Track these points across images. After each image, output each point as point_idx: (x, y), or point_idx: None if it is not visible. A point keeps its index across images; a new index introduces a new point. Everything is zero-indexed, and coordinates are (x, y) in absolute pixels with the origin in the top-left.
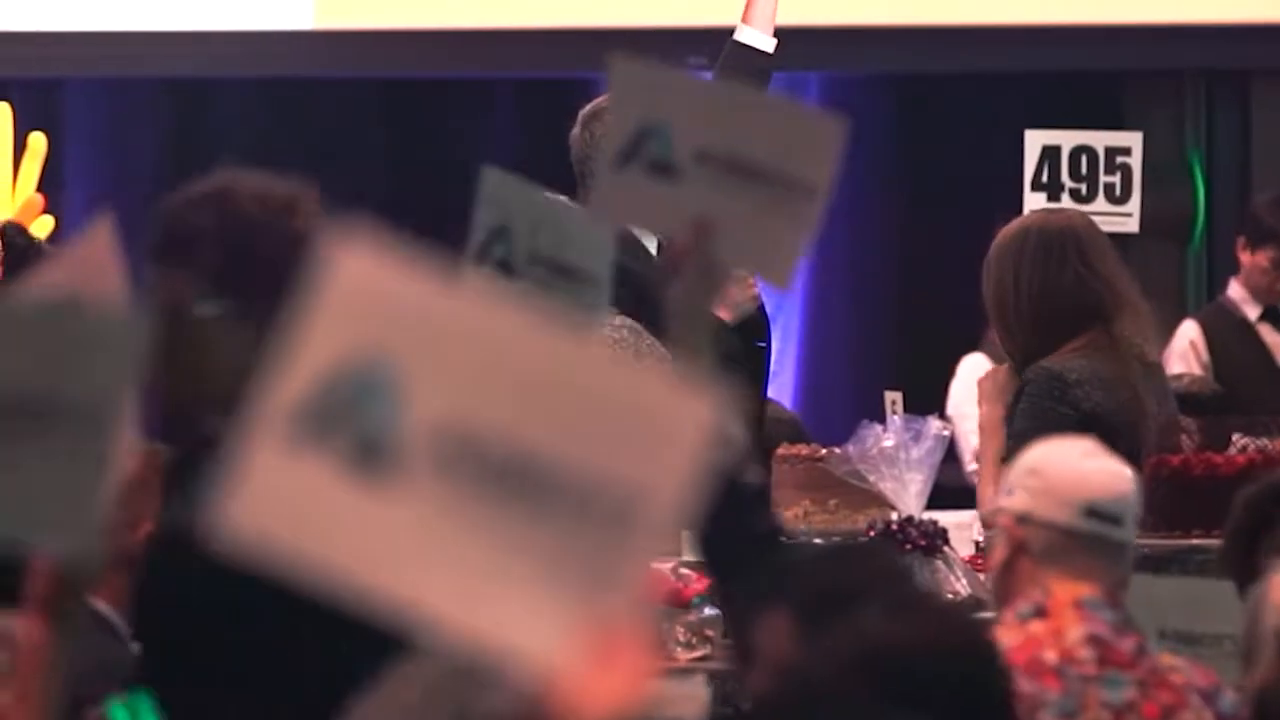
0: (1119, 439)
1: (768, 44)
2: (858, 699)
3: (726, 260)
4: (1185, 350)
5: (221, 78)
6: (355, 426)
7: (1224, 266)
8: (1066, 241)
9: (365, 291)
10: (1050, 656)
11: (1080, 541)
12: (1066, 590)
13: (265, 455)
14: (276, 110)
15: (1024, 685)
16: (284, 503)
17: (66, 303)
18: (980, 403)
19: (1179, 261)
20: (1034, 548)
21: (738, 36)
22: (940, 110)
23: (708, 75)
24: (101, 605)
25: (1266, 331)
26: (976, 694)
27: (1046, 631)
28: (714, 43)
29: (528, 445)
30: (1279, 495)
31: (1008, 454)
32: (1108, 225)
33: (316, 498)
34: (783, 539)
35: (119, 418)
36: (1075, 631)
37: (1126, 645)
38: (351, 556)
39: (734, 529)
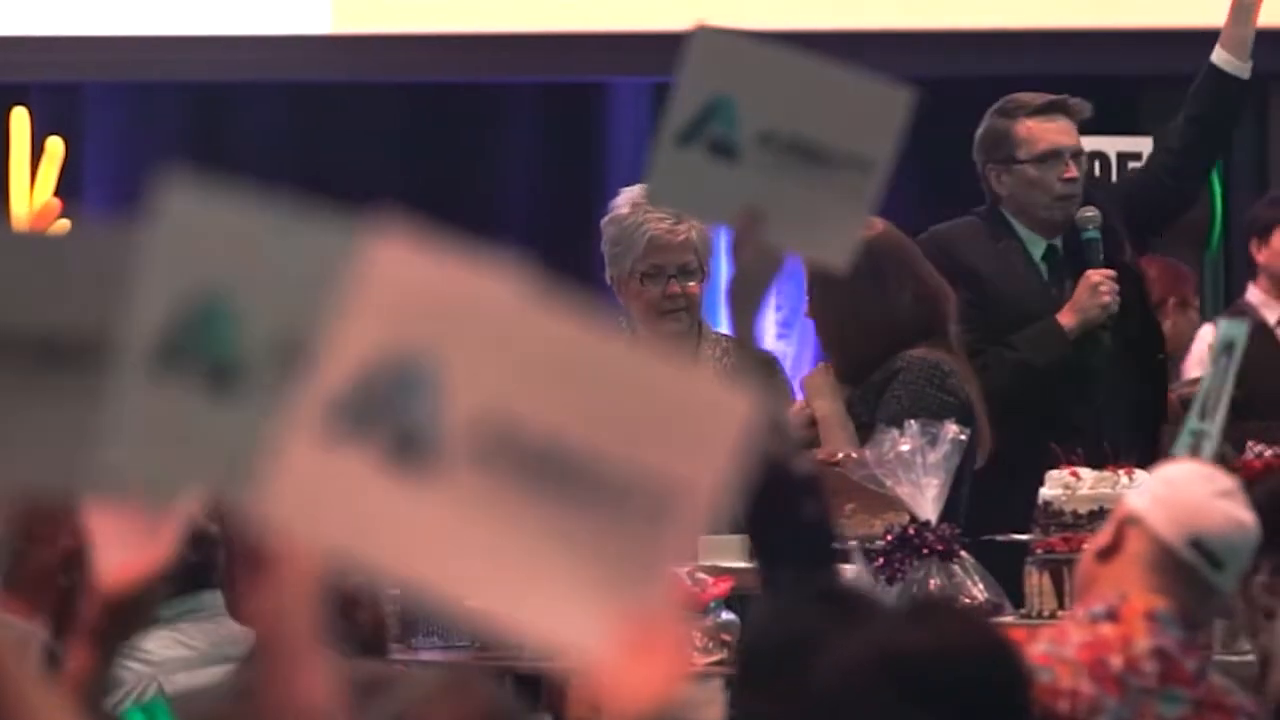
0: (975, 431)
1: (1244, 70)
2: (877, 703)
3: (780, 245)
4: (1203, 353)
5: (239, 82)
6: (394, 419)
7: (1242, 271)
8: (877, 254)
9: (403, 285)
10: (1116, 663)
11: (1174, 566)
12: (1143, 599)
13: (302, 448)
14: (294, 115)
15: (1085, 686)
16: (321, 496)
17: (58, 236)
18: (811, 400)
19: (1196, 267)
20: (1131, 550)
21: (1214, 59)
22: (955, 114)
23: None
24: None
25: None
26: (996, 698)
27: (1115, 636)
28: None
29: (566, 438)
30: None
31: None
32: None
33: (354, 490)
34: (831, 528)
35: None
36: (1143, 642)
37: (1190, 663)
38: (389, 548)
39: (781, 516)
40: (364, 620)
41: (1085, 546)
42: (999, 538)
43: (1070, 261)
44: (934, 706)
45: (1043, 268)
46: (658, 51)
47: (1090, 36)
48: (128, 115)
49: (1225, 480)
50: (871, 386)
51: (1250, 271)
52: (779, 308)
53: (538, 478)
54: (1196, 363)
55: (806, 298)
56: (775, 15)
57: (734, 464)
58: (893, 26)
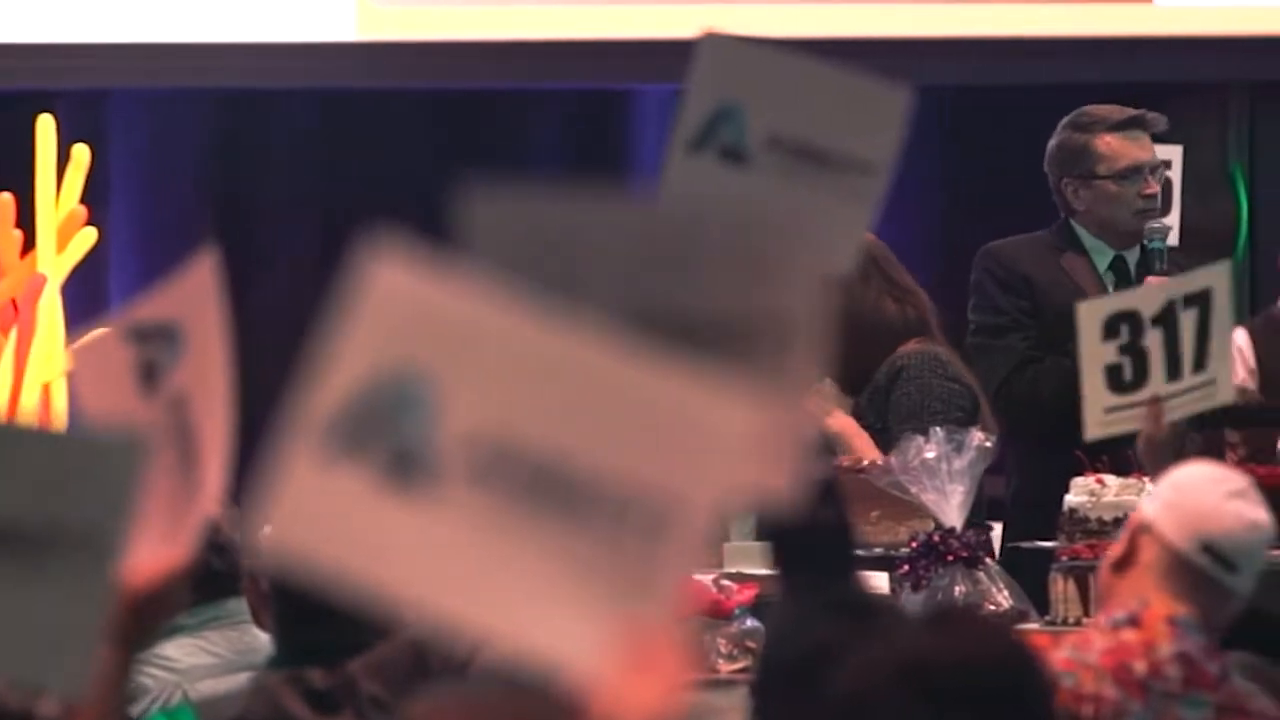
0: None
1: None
2: (897, 712)
3: (784, 253)
4: (1232, 356)
5: (264, 89)
6: (391, 438)
7: (1267, 278)
8: (861, 259)
9: (400, 304)
10: (1140, 668)
11: (1188, 572)
12: (1164, 605)
13: (302, 469)
14: (320, 121)
15: (1110, 691)
16: (322, 516)
17: (67, 435)
18: (822, 416)
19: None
20: (1145, 558)
21: None
22: (982, 122)
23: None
24: None
25: None
26: (1017, 707)
27: (1138, 641)
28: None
29: (563, 455)
30: None
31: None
32: None
33: (354, 510)
34: (851, 535)
35: (118, 548)
36: (1166, 648)
37: (1213, 668)
38: (389, 568)
39: (799, 522)
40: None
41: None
42: (1024, 544)
43: (1137, 272)
44: (954, 715)
45: (1109, 278)
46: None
47: (1120, 43)
48: (153, 122)
49: (1237, 480)
50: (877, 390)
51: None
52: None
53: (535, 495)
54: None
55: None
56: (798, 22)
57: (735, 478)
58: (920, 34)
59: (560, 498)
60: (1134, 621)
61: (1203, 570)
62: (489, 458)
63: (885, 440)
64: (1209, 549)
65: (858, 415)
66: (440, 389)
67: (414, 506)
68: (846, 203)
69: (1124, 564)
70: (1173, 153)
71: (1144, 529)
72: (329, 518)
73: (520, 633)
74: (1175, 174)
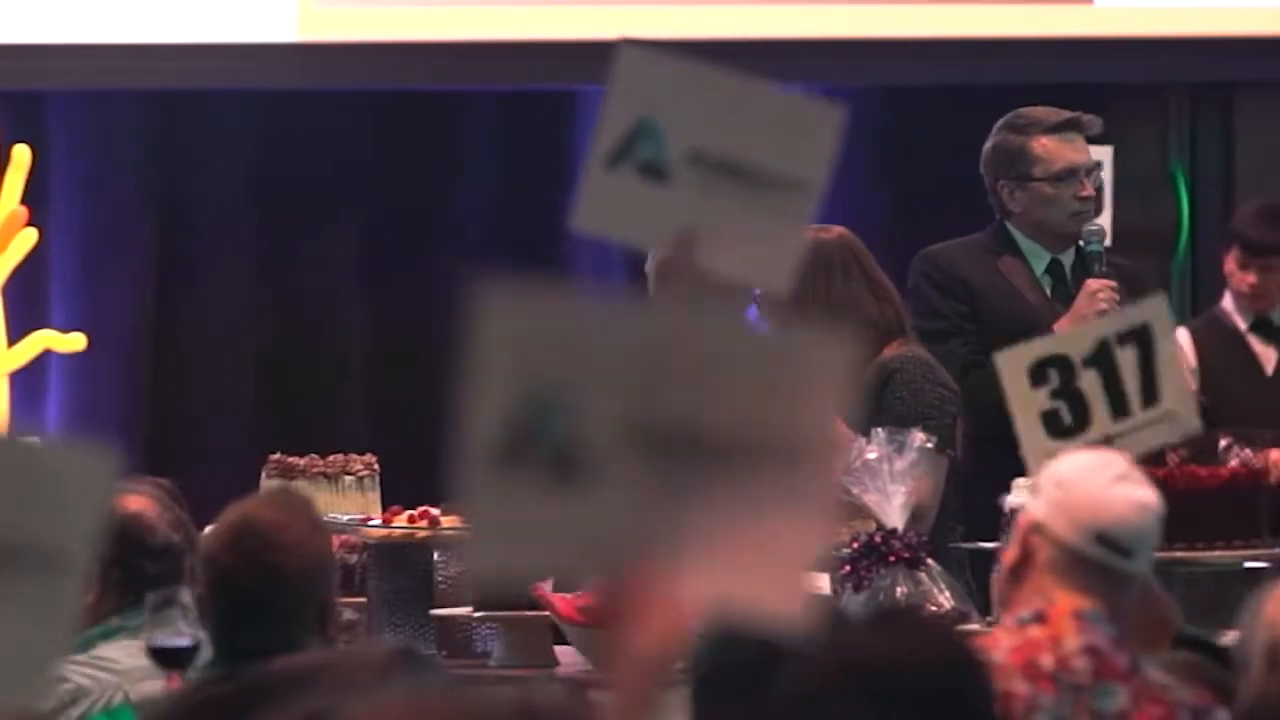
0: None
1: None
2: (841, 712)
3: (717, 269)
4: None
5: (205, 90)
6: (549, 443)
7: (1208, 279)
8: (845, 254)
9: (521, 329)
10: (1047, 662)
11: (1085, 565)
12: (1068, 600)
13: (483, 492)
14: (260, 122)
15: (1019, 687)
16: (514, 526)
17: (37, 446)
18: None
19: (1163, 274)
20: (1040, 559)
21: None
22: (921, 124)
23: None
24: None
25: (1256, 342)
26: (961, 707)
27: (1045, 637)
28: (703, 56)
29: (693, 417)
30: None
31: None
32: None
33: (538, 511)
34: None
35: (85, 563)
36: (1073, 641)
37: (1122, 659)
38: (584, 550)
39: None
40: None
41: (999, 567)
42: (965, 545)
43: (1074, 274)
44: (898, 715)
45: (1046, 281)
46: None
47: (1061, 45)
48: (93, 123)
49: (1116, 463)
50: (867, 390)
51: (1219, 278)
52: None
53: (684, 456)
54: None
55: (758, 301)
56: (734, 24)
57: (839, 402)
58: (858, 35)
59: (704, 452)
60: (1040, 619)
61: (1100, 561)
62: (635, 435)
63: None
64: (1103, 540)
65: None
66: (575, 391)
67: (589, 493)
68: (778, 219)
69: (1020, 567)
70: (1103, 153)
71: (1035, 529)
72: (520, 525)
73: (721, 583)
74: (1106, 175)
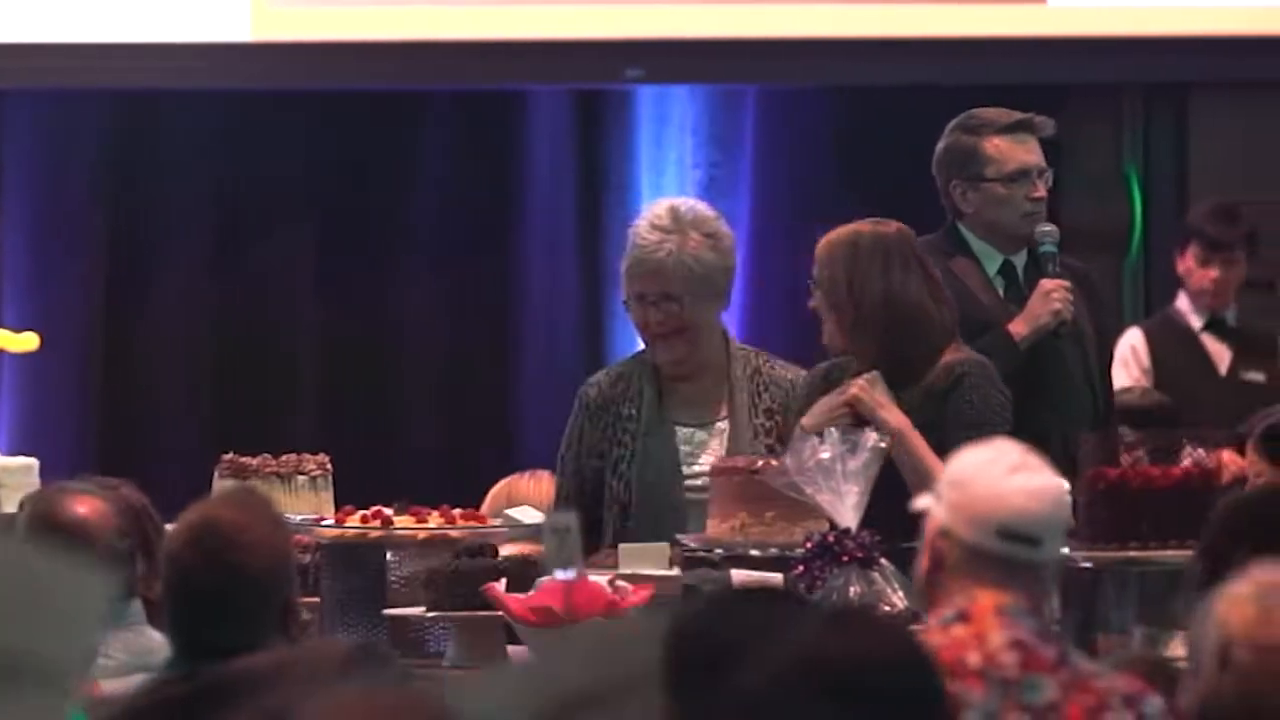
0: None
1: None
2: (797, 709)
3: None
4: (1126, 356)
5: (160, 89)
6: None
7: (1161, 278)
8: (905, 249)
9: None
10: (974, 659)
11: (995, 561)
12: (989, 597)
13: None
14: (214, 121)
15: (948, 685)
16: None
17: (37, 562)
18: (877, 410)
19: (1116, 274)
20: (949, 561)
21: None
22: (877, 123)
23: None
24: None
25: (1210, 341)
26: (914, 706)
27: (969, 635)
28: (650, 55)
29: None
30: (1253, 515)
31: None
32: None
33: None
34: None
35: (77, 682)
36: (998, 636)
37: (1049, 652)
38: None
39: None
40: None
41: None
42: (916, 545)
43: (1026, 275)
44: (855, 712)
45: (999, 282)
46: (576, 59)
47: (1015, 45)
48: (47, 122)
49: (1011, 453)
50: (931, 393)
51: (1172, 278)
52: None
53: None
54: (1119, 364)
55: (822, 290)
56: (718, 23)
57: None
58: (815, 35)
59: None
60: (963, 617)
61: (1009, 556)
62: None
63: (934, 441)
64: (1006, 534)
65: (905, 411)
66: None
67: None
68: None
69: (934, 572)
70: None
71: (942, 534)
72: None
73: None
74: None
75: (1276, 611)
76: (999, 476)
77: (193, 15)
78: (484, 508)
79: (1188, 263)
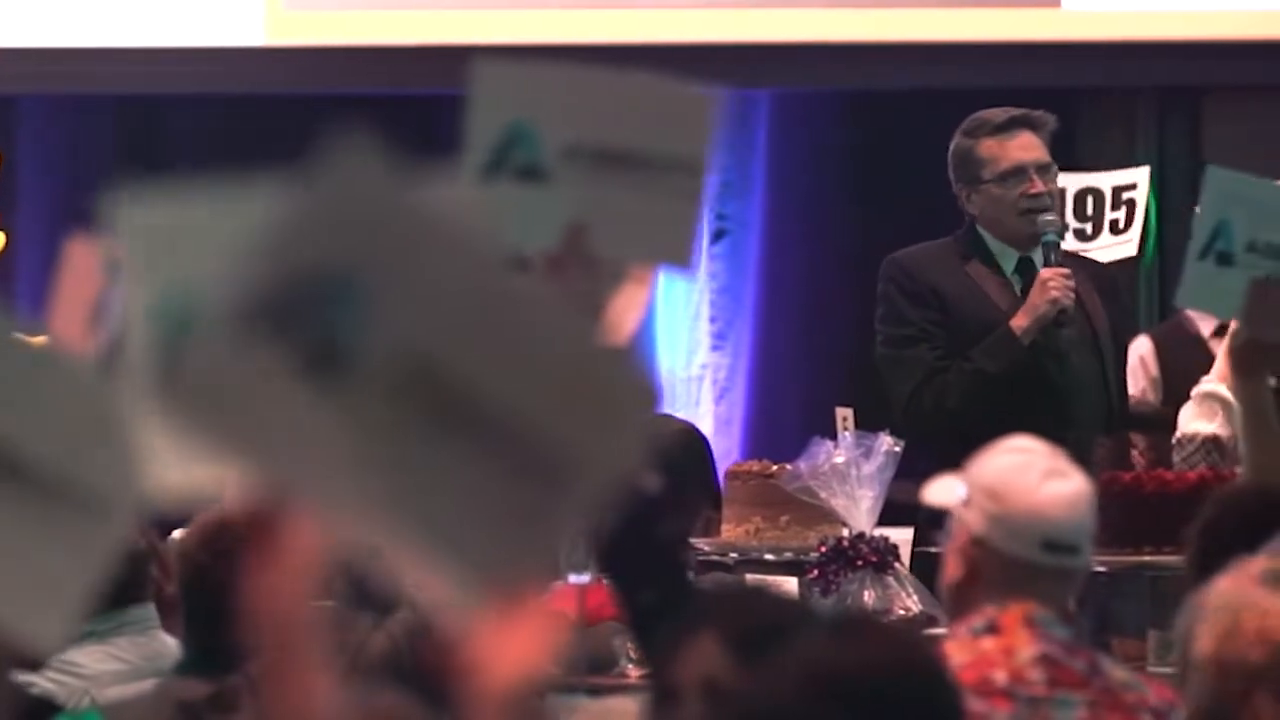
0: None
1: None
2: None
3: (613, 256)
4: (1135, 366)
5: (174, 94)
6: (317, 328)
7: (1175, 283)
8: None
9: (359, 199)
10: (1000, 677)
11: (1036, 572)
12: (1021, 607)
13: (226, 339)
14: (229, 124)
15: (974, 704)
16: (225, 396)
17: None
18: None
19: (1130, 278)
20: (987, 572)
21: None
22: (892, 127)
23: None
24: None
25: (1218, 347)
26: (926, 715)
27: (997, 649)
28: (663, 60)
29: (479, 389)
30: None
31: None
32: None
33: (263, 389)
34: (686, 548)
35: (128, 514)
36: (1026, 651)
37: (1078, 664)
38: (284, 458)
39: (634, 538)
40: None
41: (942, 579)
42: (934, 549)
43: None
44: None
45: (1016, 280)
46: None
47: (1030, 48)
48: (62, 127)
49: (1040, 456)
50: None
51: None
52: (713, 319)
53: (443, 421)
54: (1129, 374)
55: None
56: (717, 28)
57: (636, 447)
58: (830, 39)
59: (467, 430)
60: (992, 628)
61: (1050, 566)
62: (408, 375)
63: None
64: (1049, 546)
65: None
66: (375, 296)
67: (323, 401)
68: (668, 199)
69: (967, 583)
70: (1140, 175)
71: (976, 544)
72: (233, 400)
73: (410, 549)
74: (1140, 194)
75: (1243, 625)
76: (1034, 485)
77: (207, 19)
78: None
79: None
